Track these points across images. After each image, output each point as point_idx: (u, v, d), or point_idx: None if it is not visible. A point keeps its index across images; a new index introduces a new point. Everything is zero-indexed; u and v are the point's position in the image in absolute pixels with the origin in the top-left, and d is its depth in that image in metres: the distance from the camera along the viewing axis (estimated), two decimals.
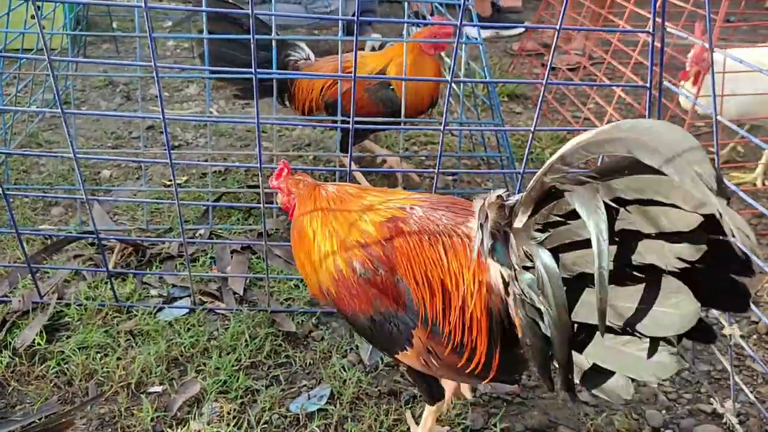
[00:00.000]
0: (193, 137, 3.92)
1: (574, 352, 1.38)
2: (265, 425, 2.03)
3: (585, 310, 1.33)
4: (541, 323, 1.41)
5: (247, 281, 2.64)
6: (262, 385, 2.16)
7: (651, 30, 2.13)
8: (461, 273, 1.52)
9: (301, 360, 2.28)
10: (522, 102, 4.62)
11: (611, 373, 1.37)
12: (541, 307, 1.38)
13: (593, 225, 1.19)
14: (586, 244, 1.24)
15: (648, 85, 2.21)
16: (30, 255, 2.54)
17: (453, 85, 2.06)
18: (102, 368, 2.19)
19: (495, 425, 2.05)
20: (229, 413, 2.05)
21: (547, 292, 1.33)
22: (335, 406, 2.09)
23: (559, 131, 3.98)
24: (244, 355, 2.27)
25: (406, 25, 3.33)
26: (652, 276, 1.24)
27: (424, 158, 3.73)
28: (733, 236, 1.07)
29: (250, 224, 3.05)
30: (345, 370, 2.23)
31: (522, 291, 1.42)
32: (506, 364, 1.56)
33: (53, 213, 3.12)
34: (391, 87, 2.95)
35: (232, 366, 2.22)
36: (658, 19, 2.11)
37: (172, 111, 4.24)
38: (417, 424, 1.97)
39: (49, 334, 2.33)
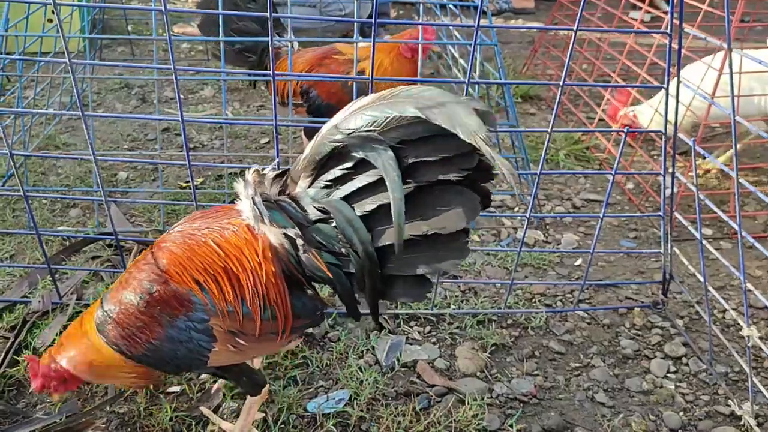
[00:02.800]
0: (208, 139, 3.95)
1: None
2: (283, 425, 2.04)
3: (379, 237, 1.49)
4: (344, 262, 1.55)
5: None
6: (280, 386, 2.17)
7: (668, 31, 2.13)
8: (242, 254, 1.62)
9: (318, 361, 2.29)
10: (536, 103, 4.61)
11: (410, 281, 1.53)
12: (343, 250, 1.53)
13: (381, 164, 1.39)
14: (371, 187, 1.45)
15: (665, 85, 2.21)
16: (49, 256, 2.56)
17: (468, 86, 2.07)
18: None
19: (511, 426, 2.06)
20: None
21: (348, 233, 1.49)
22: (353, 407, 2.10)
23: (574, 132, 3.98)
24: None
25: (420, 27, 3.34)
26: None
27: None
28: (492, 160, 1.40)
29: None
30: (362, 371, 2.24)
31: (320, 241, 1.55)
32: (306, 309, 1.70)
33: (71, 215, 3.15)
34: None
35: None
36: (676, 20, 2.11)
37: (188, 113, 4.27)
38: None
39: None
